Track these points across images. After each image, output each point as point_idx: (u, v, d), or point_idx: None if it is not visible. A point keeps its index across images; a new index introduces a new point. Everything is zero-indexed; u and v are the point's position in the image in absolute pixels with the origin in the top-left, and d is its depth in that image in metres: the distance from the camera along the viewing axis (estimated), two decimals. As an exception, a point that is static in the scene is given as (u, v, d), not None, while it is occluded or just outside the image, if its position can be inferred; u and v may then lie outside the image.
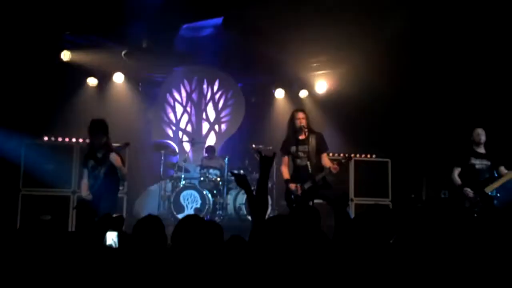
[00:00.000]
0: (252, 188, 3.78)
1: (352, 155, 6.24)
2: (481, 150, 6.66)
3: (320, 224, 3.51)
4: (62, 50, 8.81)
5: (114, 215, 3.30)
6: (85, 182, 6.20)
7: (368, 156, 8.69)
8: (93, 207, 6.01)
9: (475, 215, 6.45)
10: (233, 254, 2.77)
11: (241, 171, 8.86)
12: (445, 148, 7.93)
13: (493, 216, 3.00)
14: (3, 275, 2.71)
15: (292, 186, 5.95)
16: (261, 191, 3.50)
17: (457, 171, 6.70)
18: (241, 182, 3.72)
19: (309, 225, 3.26)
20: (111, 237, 2.99)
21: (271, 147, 8.76)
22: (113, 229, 3.02)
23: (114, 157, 5.99)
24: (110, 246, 3.00)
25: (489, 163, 6.60)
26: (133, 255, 3.01)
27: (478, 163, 6.62)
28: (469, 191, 6.49)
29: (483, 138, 6.64)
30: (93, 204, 6.06)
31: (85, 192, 6.14)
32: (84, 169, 6.26)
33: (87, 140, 6.45)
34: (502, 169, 6.56)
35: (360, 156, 8.59)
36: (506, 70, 8.01)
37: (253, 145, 9.10)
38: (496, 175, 6.59)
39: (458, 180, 6.65)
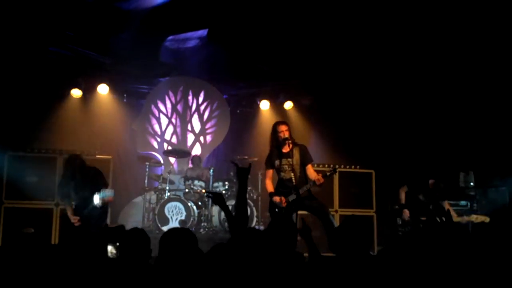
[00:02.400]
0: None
1: (337, 166, 6.27)
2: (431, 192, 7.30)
3: (296, 239, 3.51)
4: (46, 61, 8.75)
5: (114, 226, 3.30)
6: (70, 210, 6.09)
7: (352, 167, 8.74)
8: (82, 229, 5.93)
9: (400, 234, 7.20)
10: (214, 265, 2.78)
11: (226, 182, 8.87)
12: (428, 158, 8.04)
13: (418, 238, 3.10)
14: None
15: (277, 198, 5.96)
16: (239, 202, 3.54)
17: (405, 189, 7.39)
18: (218, 200, 3.78)
19: (284, 240, 3.26)
20: (111, 249, 2.99)
21: (256, 158, 8.81)
22: (112, 241, 3.02)
23: (99, 202, 5.88)
24: (112, 257, 2.99)
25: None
26: (119, 268, 3.00)
27: (424, 199, 7.28)
28: (406, 213, 7.19)
29: None
30: (82, 227, 5.98)
31: (73, 219, 6.03)
32: (65, 191, 6.15)
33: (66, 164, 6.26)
34: (446, 204, 7.22)
35: (345, 167, 8.63)
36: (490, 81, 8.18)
37: (238, 156, 9.12)
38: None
39: (403, 198, 7.36)
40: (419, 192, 7.35)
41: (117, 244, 2.99)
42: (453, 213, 6.95)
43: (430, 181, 7.33)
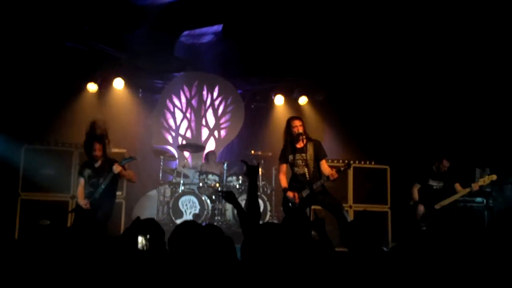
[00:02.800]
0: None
1: (351, 162, 6.24)
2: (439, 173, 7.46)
3: (311, 232, 3.52)
4: (63, 56, 8.83)
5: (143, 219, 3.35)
6: (81, 191, 6.29)
7: (367, 163, 8.70)
8: (90, 215, 6.10)
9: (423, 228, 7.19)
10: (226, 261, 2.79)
11: (240, 177, 8.89)
12: (444, 154, 7.97)
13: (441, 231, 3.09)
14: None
15: (290, 194, 5.95)
16: (251, 200, 3.56)
17: (417, 186, 7.56)
18: (229, 198, 3.81)
19: (299, 234, 3.27)
20: (141, 241, 3.02)
21: (270, 153, 8.82)
22: (143, 233, 3.05)
23: (117, 169, 6.08)
24: (142, 249, 3.04)
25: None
26: (131, 259, 3.02)
27: (436, 184, 7.45)
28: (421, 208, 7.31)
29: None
30: (91, 212, 6.15)
31: (81, 201, 6.23)
32: (80, 178, 6.37)
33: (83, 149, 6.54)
34: (457, 186, 7.32)
35: (359, 163, 8.59)
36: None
37: (252, 151, 9.14)
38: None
39: (416, 195, 7.51)
40: (428, 179, 7.43)
41: (148, 236, 3.03)
42: (462, 189, 7.10)
43: (434, 165, 7.47)
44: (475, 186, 7.10)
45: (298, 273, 2.60)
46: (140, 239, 2.98)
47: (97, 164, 6.37)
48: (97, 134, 6.56)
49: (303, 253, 2.90)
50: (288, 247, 2.72)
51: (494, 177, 6.97)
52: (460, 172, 7.57)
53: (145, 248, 2.96)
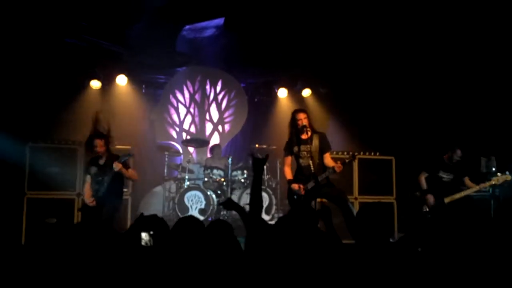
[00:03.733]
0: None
1: (356, 153, 6.21)
2: (450, 165, 7.15)
3: (318, 224, 3.52)
4: (65, 52, 8.82)
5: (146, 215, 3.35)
6: (87, 189, 6.33)
7: (372, 154, 8.67)
8: (97, 212, 6.12)
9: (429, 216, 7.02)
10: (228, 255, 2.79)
11: (245, 171, 8.88)
12: (449, 144, 7.94)
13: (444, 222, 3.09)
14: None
15: (295, 186, 5.95)
16: (254, 192, 3.56)
17: (425, 175, 7.25)
18: (230, 205, 3.85)
19: (306, 226, 3.26)
20: (145, 237, 3.04)
21: (274, 147, 8.80)
22: (146, 230, 3.07)
23: (116, 166, 6.09)
24: (145, 245, 3.05)
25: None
26: (138, 255, 3.03)
27: (446, 176, 7.14)
28: (431, 198, 7.05)
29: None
30: (97, 209, 6.18)
31: (88, 199, 6.27)
32: (87, 175, 6.44)
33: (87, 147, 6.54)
34: (467, 180, 7.07)
35: (364, 154, 8.57)
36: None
37: (257, 145, 9.13)
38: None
39: (424, 184, 7.22)
40: (438, 170, 7.23)
41: (151, 232, 3.04)
42: (471, 184, 6.94)
43: (445, 156, 7.22)
44: (484, 186, 6.94)
45: (304, 265, 2.60)
46: (144, 235, 2.99)
47: (102, 161, 6.40)
48: (98, 130, 6.55)
49: (309, 245, 2.89)
50: (293, 239, 2.71)
51: (509, 177, 6.77)
52: (469, 165, 7.41)
53: (148, 244, 2.97)
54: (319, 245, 3.06)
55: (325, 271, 2.70)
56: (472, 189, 6.99)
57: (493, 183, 6.82)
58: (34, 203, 7.61)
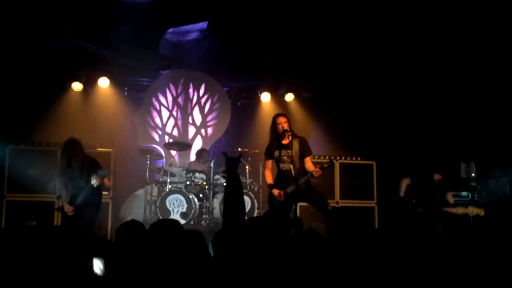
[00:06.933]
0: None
1: (333, 157, 6.28)
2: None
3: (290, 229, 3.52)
4: (47, 55, 8.75)
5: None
6: (65, 200, 6.10)
7: (354, 158, 8.74)
8: (76, 217, 5.98)
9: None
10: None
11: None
12: (429, 149, 8.04)
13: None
14: None
15: (275, 192, 5.97)
16: (229, 192, 3.52)
17: (406, 181, 7.00)
18: (231, 166, 3.70)
19: (278, 229, 3.25)
20: (98, 265, 2.91)
21: (257, 150, 8.83)
22: (98, 256, 2.95)
23: (96, 182, 5.91)
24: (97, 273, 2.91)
25: None
26: (116, 260, 3.02)
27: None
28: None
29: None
30: (76, 215, 6.02)
31: (67, 208, 6.05)
32: (63, 180, 6.18)
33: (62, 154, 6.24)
34: (449, 194, 6.96)
35: (346, 158, 8.63)
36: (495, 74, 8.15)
37: (239, 148, 9.14)
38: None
39: (403, 189, 6.96)
40: (423, 187, 7.24)
41: (103, 259, 2.89)
42: (451, 201, 6.96)
43: (436, 176, 7.20)
44: (457, 211, 6.96)
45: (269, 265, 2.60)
46: (96, 262, 2.82)
47: (78, 166, 6.16)
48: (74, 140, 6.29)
49: (279, 247, 2.90)
50: (264, 240, 2.72)
51: (482, 213, 6.81)
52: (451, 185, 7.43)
53: (100, 273, 2.84)
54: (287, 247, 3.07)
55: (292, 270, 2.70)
56: (451, 209, 7.00)
57: (467, 212, 6.82)
58: (14, 205, 7.54)
